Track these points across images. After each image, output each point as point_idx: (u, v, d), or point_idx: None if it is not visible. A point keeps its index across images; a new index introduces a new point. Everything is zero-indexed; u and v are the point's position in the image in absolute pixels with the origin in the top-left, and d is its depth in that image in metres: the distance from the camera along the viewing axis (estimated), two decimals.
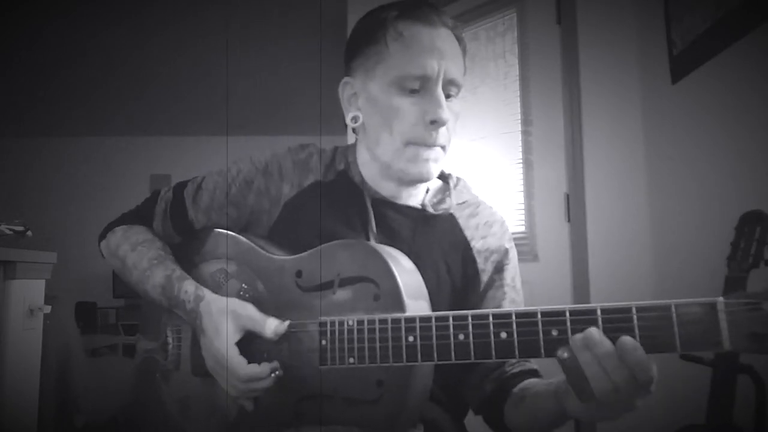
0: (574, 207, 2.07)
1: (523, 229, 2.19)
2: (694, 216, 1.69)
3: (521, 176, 2.21)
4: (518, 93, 2.24)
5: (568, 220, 2.08)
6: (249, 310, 0.77)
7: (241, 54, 4.07)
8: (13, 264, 1.58)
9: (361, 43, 0.84)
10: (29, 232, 1.76)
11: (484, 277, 0.88)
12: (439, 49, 0.79)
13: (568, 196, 2.09)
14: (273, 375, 0.74)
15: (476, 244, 0.88)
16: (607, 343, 0.55)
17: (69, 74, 4.42)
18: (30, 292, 1.65)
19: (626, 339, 0.55)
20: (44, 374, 1.72)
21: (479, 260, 0.88)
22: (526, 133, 2.21)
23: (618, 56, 2.04)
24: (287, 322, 0.75)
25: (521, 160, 2.22)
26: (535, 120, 2.18)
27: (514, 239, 0.94)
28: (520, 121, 2.22)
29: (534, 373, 0.82)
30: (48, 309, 1.71)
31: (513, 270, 0.90)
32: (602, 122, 2.04)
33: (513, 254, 0.91)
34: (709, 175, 1.61)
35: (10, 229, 1.72)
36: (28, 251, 1.63)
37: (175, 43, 3.94)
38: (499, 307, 0.86)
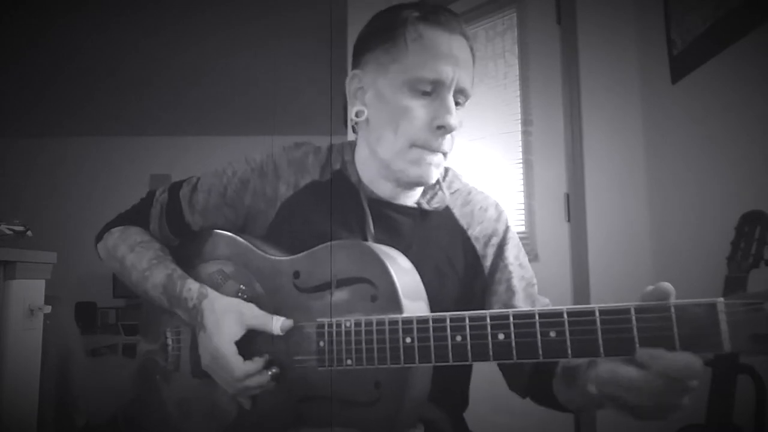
0: (574, 207, 2.06)
1: (523, 229, 2.18)
2: (694, 216, 1.69)
3: (521, 176, 2.21)
4: (518, 93, 2.24)
5: (568, 220, 2.08)
6: (253, 308, 0.77)
7: (241, 54, 4.06)
8: (13, 264, 1.58)
9: (378, 38, 0.82)
10: (29, 232, 1.76)
11: (487, 263, 0.88)
12: (455, 57, 0.78)
13: (568, 196, 2.09)
14: (270, 373, 0.74)
15: (473, 232, 0.88)
16: (631, 373, 0.55)
17: (69, 74, 4.42)
18: (30, 292, 1.65)
19: (658, 352, 0.53)
20: (44, 374, 1.72)
21: (478, 247, 0.88)
22: (526, 133, 2.20)
23: (618, 56, 2.04)
24: (292, 320, 0.75)
25: (521, 160, 2.21)
26: (535, 120, 2.18)
27: None
28: (520, 121, 2.22)
29: None
30: (48, 309, 1.70)
31: (515, 248, 0.89)
32: (602, 122, 2.04)
33: (512, 234, 0.90)
34: (709, 175, 1.61)
35: (10, 229, 1.72)
36: (28, 251, 1.63)
37: (175, 43, 3.94)
38: (508, 286, 0.86)
